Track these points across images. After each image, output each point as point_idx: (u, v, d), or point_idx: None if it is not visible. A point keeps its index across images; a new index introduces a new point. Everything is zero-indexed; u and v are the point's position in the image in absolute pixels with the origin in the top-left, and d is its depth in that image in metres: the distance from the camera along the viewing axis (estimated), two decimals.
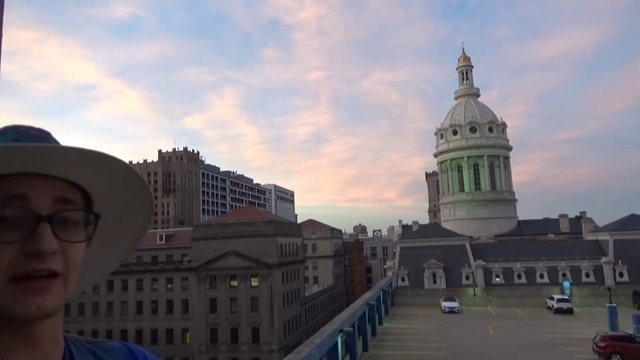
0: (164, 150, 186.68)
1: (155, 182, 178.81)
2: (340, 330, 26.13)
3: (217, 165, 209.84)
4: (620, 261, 64.84)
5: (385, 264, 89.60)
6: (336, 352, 24.87)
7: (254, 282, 78.64)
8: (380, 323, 48.03)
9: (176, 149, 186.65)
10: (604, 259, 65.57)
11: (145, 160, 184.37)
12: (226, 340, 77.05)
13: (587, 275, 65.49)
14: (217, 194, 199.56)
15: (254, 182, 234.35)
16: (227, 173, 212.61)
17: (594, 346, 33.71)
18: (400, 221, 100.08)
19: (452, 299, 60.96)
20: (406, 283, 70.53)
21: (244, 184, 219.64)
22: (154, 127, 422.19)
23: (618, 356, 32.01)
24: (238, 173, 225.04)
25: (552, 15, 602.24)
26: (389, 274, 72.72)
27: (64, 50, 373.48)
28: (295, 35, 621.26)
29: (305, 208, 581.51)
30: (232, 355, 76.52)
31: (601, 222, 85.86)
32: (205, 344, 77.36)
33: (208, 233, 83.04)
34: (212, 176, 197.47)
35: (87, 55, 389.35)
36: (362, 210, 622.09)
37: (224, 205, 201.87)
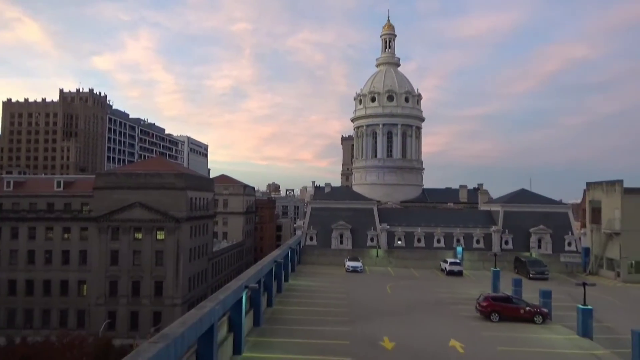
0: (66, 90, 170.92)
1: (55, 124, 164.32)
2: (246, 287, 26.17)
3: (126, 112, 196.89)
4: (507, 230, 71.43)
5: (295, 223, 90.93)
6: (240, 307, 24.95)
7: (160, 236, 76.27)
8: (286, 280, 49.03)
9: (81, 90, 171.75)
10: (493, 228, 71.81)
11: (44, 99, 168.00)
12: (127, 293, 74.66)
13: (478, 241, 71.50)
14: (124, 142, 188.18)
15: (166, 132, 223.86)
16: (137, 121, 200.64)
17: (477, 305, 37.09)
18: (313, 182, 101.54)
19: (356, 259, 63.73)
20: (314, 242, 72.37)
21: (155, 134, 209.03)
22: (58, 64, 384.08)
23: (496, 314, 35.55)
24: (149, 122, 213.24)
25: None
26: (299, 232, 74.08)
27: None
28: None
29: (219, 163, 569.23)
30: (132, 309, 74.48)
31: (495, 195, 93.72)
32: (103, 297, 74.40)
33: (112, 182, 78.47)
34: (120, 122, 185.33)
35: None
36: (277, 169, 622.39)
37: (131, 154, 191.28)
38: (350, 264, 61.91)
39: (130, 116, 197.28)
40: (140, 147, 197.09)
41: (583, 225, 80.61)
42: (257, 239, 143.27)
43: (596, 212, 65.23)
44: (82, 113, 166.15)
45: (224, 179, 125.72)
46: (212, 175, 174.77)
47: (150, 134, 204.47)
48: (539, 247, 69.81)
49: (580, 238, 70.23)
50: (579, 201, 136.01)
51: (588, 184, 69.03)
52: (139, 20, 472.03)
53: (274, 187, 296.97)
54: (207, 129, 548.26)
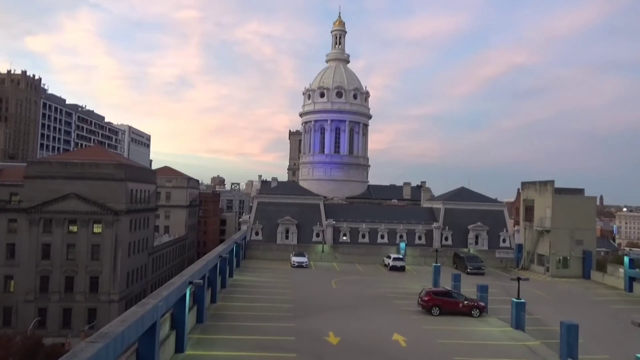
0: None
1: None
2: (190, 282, 25.45)
3: (62, 97, 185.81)
4: (447, 227, 73.97)
5: (241, 218, 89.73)
6: (183, 304, 24.21)
7: (97, 229, 72.77)
8: (231, 275, 48.28)
9: (12, 72, 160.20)
10: (434, 225, 74.17)
11: None
12: (59, 289, 70.74)
13: (420, 238, 73.61)
14: (60, 129, 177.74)
15: (106, 120, 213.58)
16: (75, 107, 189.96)
17: (419, 300, 38.19)
18: (260, 176, 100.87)
19: (301, 254, 63.79)
20: (260, 237, 71.73)
21: (93, 121, 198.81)
22: None
23: (437, 308, 36.75)
24: (88, 108, 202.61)
25: None
26: (244, 227, 73.15)
27: None
28: None
29: (162, 154, 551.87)
30: (65, 305, 70.69)
31: (437, 192, 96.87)
32: (33, 293, 70.08)
33: (46, 171, 73.90)
34: (56, 108, 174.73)
35: None
36: (223, 163, 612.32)
37: (67, 142, 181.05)
38: (295, 259, 61.89)
39: (67, 102, 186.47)
40: (77, 135, 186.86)
41: (517, 223, 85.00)
42: (201, 233, 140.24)
43: (529, 211, 68.92)
44: (13, 96, 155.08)
45: (167, 170, 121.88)
46: (154, 166, 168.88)
47: (88, 121, 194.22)
48: (476, 243, 72.89)
49: (514, 235, 74.02)
50: (512, 200, 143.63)
51: (523, 184, 72.76)
52: (79, 1, 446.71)
53: (219, 181, 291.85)
54: (150, 118, 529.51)
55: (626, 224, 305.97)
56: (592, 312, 41.65)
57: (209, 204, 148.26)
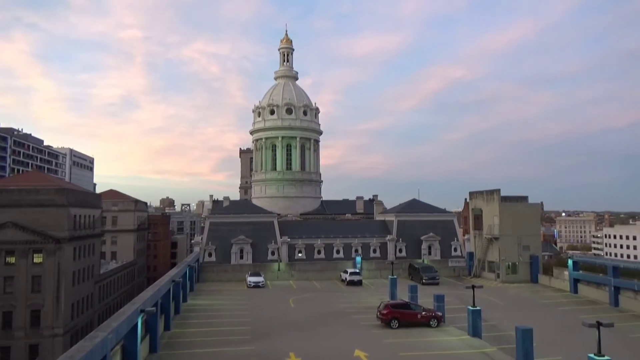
0: None
1: None
2: (142, 311, 24.16)
3: None
4: (400, 239, 75.03)
5: (192, 239, 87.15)
6: (135, 334, 22.90)
7: (38, 259, 68.25)
8: (185, 300, 46.55)
9: None
10: (388, 237, 75.00)
11: None
12: None
13: (375, 251, 74.17)
14: None
15: (45, 144, 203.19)
16: (10, 130, 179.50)
17: (378, 313, 38.19)
18: (211, 196, 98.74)
19: (257, 274, 62.56)
20: (213, 258, 69.87)
21: (31, 145, 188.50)
22: None
23: (396, 321, 36.86)
24: (25, 132, 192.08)
25: (365, 15, 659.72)
26: (196, 249, 71.06)
27: None
28: None
29: (107, 177, 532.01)
30: (2, 344, 65.51)
31: (389, 205, 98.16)
32: None
33: None
34: None
35: None
36: (172, 183, 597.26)
37: (2, 168, 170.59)
38: (251, 279, 60.60)
39: (1, 125, 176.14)
40: (14, 160, 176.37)
41: (466, 232, 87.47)
42: (151, 258, 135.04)
43: (478, 219, 71.13)
44: None
45: (112, 194, 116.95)
46: (99, 190, 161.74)
47: (25, 145, 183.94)
48: (430, 253, 74.30)
49: (464, 243, 76.04)
50: (461, 209, 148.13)
51: (470, 194, 75.11)
52: (13, 21, 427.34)
53: (169, 202, 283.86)
54: (94, 140, 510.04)
55: (565, 228, 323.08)
56: (543, 315, 43.14)
57: (158, 227, 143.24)
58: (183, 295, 45.27)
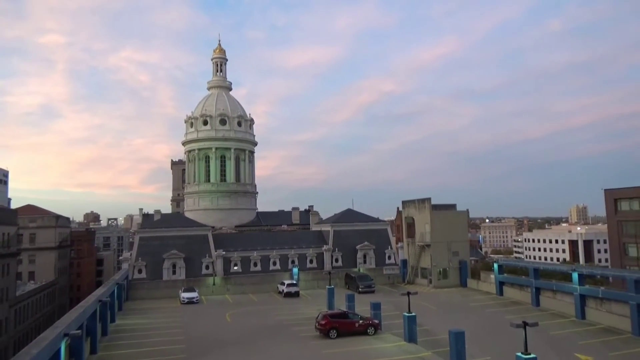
0: None
1: None
2: (66, 334, 22.44)
3: None
4: (337, 248, 75.71)
5: (120, 256, 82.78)
6: None
7: None
8: (113, 320, 43.96)
9: None
10: (325, 247, 75.44)
11: None
12: None
13: (311, 261, 74.26)
14: None
15: None
16: None
17: (317, 324, 38.12)
18: (141, 209, 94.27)
19: (191, 289, 60.44)
20: (144, 275, 66.71)
21: None
22: None
23: (334, 331, 36.95)
24: None
25: (299, 28, 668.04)
26: (125, 266, 67.51)
27: None
28: None
29: (24, 191, 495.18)
30: None
31: (324, 215, 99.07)
32: None
33: None
34: None
35: None
36: (97, 197, 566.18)
37: None
38: (185, 295, 58.40)
39: None
40: None
41: (399, 240, 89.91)
42: (74, 276, 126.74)
43: (411, 227, 73.38)
44: None
45: (30, 209, 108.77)
46: (14, 205, 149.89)
47: None
48: (365, 262, 75.54)
49: (398, 251, 78.07)
50: (393, 217, 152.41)
51: (403, 202, 77.39)
52: None
53: (93, 217, 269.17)
54: (8, 152, 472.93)
55: (489, 233, 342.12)
56: (473, 317, 45.06)
57: (82, 244, 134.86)
58: (111, 316, 42.74)
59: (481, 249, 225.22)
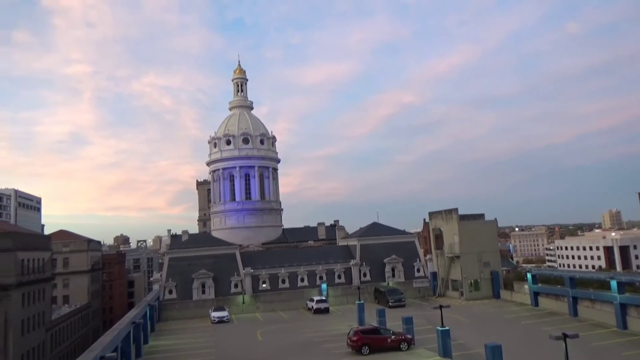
0: None
1: None
2: (102, 358, 22.76)
3: None
4: (364, 263, 75.08)
5: (151, 277, 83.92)
6: None
7: None
8: (146, 342, 44.38)
9: None
10: (352, 262, 74.90)
11: None
12: None
13: (339, 276, 73.76)
14: None
15: None
16: None
17: (348, 340, 37.69)
18: (169, 230, 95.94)
19: (221, 308, 60.69)
20: (174, 295, 67.37)
21: None
22: None
23: (367, 347, 36.46)
24: None
25: (314, 45, 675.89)
26: (156, 287, 68.35)
27: None
28: (56, 21, 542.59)
29: (56, 217, 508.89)
30: None
31: (351, 229, 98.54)
32: None
33: None
34: None
35: None
36: (126, 220, 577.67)
37: None
38: (215, 314, 58.66)
39: None
40: None
41: (426, 252, 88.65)
42: (106, 299, 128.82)
43: (439, 239, 72.31)
44: None
45: (62, 234, 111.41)
46: (47, 231, 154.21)
47: None
48: (394, 275, 74.61)
49: (426, 263, 76.91)
50: (420, 229, 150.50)
51: (430, 214, 76.41)
52: None
53: (123, 240, 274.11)
54: (40, 180, 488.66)
55: (520, 242, 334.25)
56: (508, 330, 43.83)
57: (113, 266, 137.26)
58: (144, 337, 43.17)
59: (512, 259, 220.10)
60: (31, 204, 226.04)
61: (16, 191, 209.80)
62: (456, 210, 67.87)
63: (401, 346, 36.77)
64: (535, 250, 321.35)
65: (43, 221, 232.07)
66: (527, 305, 56.25)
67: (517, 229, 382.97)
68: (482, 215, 69.75)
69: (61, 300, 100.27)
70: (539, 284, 56.55)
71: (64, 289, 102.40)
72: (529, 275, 57.59)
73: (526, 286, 58.03)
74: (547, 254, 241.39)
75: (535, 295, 55.73)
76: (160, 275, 69.86)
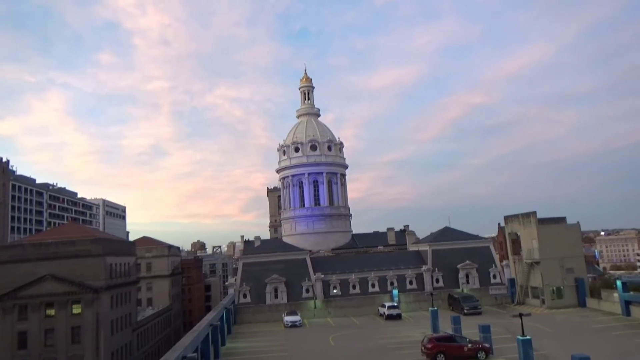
0: None
1: None
2: (184, 357, 23.92)
3: (32, 177, 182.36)
4: (436, 268, 73.21)
5: (226, 281, 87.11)
6: None
7: (77, 309, 69.09)
8: (223, 344, 46.03)
9: None
10: (424, 267, 73.31)
11: None
12: None
13: (411, 282, 72.43)
14: (31, 210, 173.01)
15: (79, 196, 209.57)
16: (45, 186, 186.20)
17: (423, 348, 36.86)
18: (242, 236, 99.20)
19: (294, 313, 61.66)
20: (248, 299, 69.42)
21: (65, 198, 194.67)
22: None
23: (442, 355, 35.47)
24: (59, 186, 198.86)
25: (379, 51, 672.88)
26: (231, 291, 70.80)
27: None
28: (136, 41, 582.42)
29: (139, 224, 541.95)
30: None
31: (421, 234, 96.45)
32: None
33: (17, 254, 70.72)
34: (26, 189, 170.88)
35: None
36: (202, 226, 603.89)
37: (39, 222, 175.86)
38: (288, 318, 59.71)
39: (38, 181, 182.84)
40: (50, 213, 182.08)
41: (502, 257, 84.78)
42: (186, 302, 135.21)
43: (516, 244, 68.95)
44: None
45: (146, 240, 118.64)
46: (132, 237, 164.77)
47: (60, 199, 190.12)
48: (467, 282, 72.08)
49: (503, 270, 73.52)
50: (494, 234, 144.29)
51: (505, 218, 73.09)
52: (46, 82, 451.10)
53: (200, 245, 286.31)
54: (125, 190, 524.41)
55: (606, 247, 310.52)
56: (597, 341, 40.82)
57: (191, 271, 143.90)
58: (221, 339, 44.82)
59: (598, 265, 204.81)
60: (117, 212, 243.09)
61: (104, 201, 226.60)
62: (534, 213, 64.40)
63: (479, 355, 35.41)
64: (624, 256, 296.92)
65: (128, 228, 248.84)
66: (618, 315, 52.06)
67: (602, 233, 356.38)
68: (563, 219, 65.59)
69: (145, 303, 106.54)
70: (631, 292, 52.18)
71: (147, 292, 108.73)
72: (618, 283, 53.29)
73: (616, 294, 53.75)
74: (638, 260, 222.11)
75: (627, 304, 51.45)
76: (235, 280, 72.28)
